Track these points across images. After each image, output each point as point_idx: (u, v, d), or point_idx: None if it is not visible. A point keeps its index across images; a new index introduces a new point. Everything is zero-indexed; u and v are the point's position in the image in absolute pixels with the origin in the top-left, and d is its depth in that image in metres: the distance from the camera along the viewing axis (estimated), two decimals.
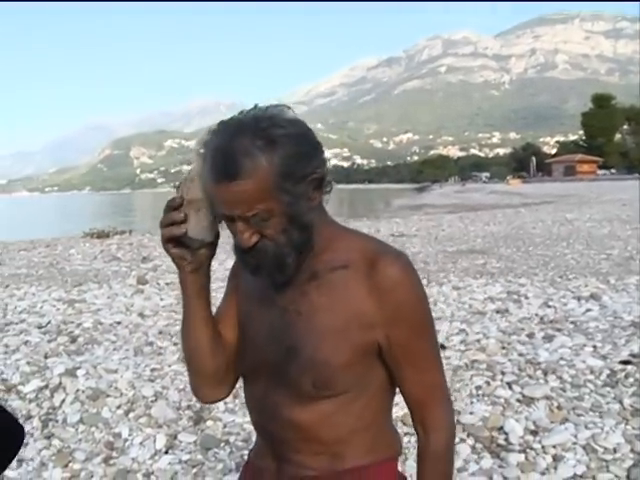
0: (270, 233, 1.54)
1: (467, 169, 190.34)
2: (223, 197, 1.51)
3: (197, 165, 1.57)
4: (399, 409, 3.84)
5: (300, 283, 1.63)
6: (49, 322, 8.32)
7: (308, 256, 1.61)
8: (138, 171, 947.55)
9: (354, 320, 1.60)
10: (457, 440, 4.58)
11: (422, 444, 1.72)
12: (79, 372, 6.04)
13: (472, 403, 5.15)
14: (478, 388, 5.45)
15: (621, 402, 5.03)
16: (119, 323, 8.20)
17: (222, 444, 4.68)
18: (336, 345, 1.60)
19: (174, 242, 1.61)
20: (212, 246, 1.64)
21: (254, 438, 4.73)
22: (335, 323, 1.60)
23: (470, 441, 4.56)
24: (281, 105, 1.59)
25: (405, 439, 4.33)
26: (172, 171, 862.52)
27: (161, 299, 9.93)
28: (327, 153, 1.68)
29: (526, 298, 8.98)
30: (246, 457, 4.57)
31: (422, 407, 1.69)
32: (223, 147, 1.49)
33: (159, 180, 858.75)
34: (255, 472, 1.81)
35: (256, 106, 1.59)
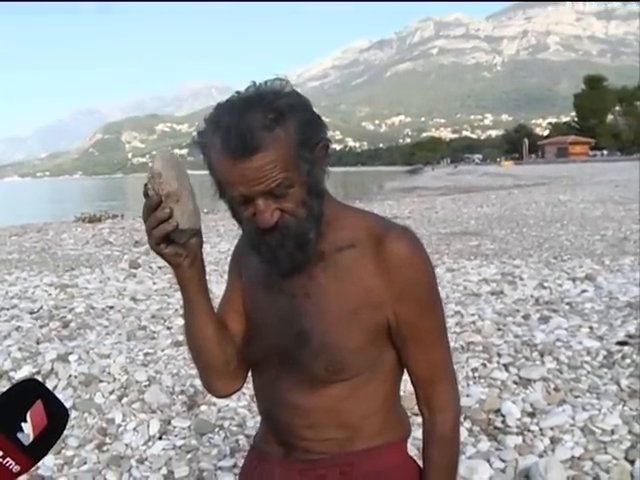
0: (290, 207, 1.52)
1: (459, 151, 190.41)
2: (243, 174, 1.48)
3: (157, 160, 1.53)
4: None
5: (307, 266, 1.60)
6: (41, 307, 8.26)
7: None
8: (130, 155, 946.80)
9: (364, 300, 1.57)
10: None
11: (428, 425, 1.69)
12: (71, 357, 5.99)
13: (468, 385, 5.13)
14: (474, 370, 5.42)
15: (618, 383, 5.01)
16: (111, 307, 8.15)
17: (216, 429, 4.64)
18: (347, 327, 1.57)
19: (165, 242, 1.55)
20: (199, 233, 1.59)
21: (249, 423, 4.68)
22: (345, 305, 1.57)
23: (467, 424, 4.53)
24: (277, 78, 1.58)
25: None
26: None
27: (154, 283, 9.88)
28: None
29: (521, 279, 8.95)
30: (240, 442, 4.53)
31: (428, 386, 1.66)
32: (236, 124, 1.47)
33: (151, 164, 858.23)
34: (261, 457, 1.78)
35: (254, 83, 1.57)
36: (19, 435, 1.26)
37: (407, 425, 1.78)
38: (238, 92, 1.57)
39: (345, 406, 1.62)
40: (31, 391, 1.32)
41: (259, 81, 1.59)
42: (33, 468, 1.30)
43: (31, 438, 1.27)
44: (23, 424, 1.27)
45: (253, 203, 1.51)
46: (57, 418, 1.33)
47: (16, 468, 1.26)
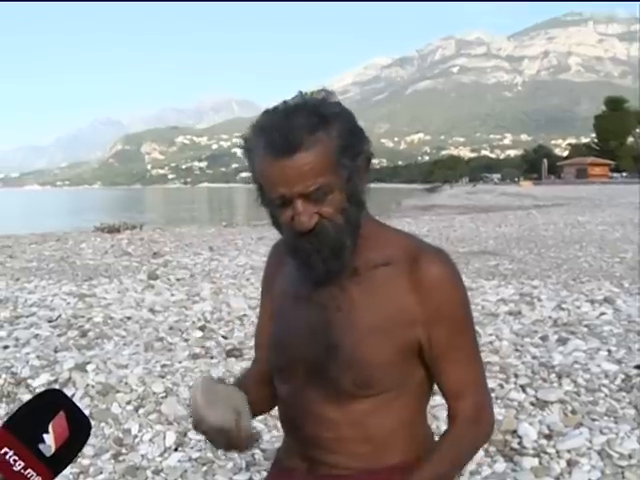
0: (329, 212, 1.53)
1: (478, 170, 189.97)
2: (284, 173, 1.50)
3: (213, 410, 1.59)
4: None
5: (340, 280, 1.61)
6: (59, 316, 8.30)
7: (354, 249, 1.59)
8: (149, 167, 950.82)
9: (396, 318, 1.58)
10: None
11: (447, 431, 1.71)
12: (89, 367, 6.01)
13: None
14: (491, 391, 5.38)
15: (636, 407, 4.97)
16: (129, 318, 8.17)
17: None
18: (377, 343, 1.58)
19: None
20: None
21: (265, 437, 4.66)
22: (376, 321, 1.58)
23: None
24: (323, 90, 1.61)
25: None
26: (183, 167, 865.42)
27: (172, 295, 9.91)
28: None
29: (539, 300, 8.91)
30: (255, 456, 4.52)
31: (460, 400, 1.66)
32: (280, 124, 1.50)
33: (170, 176, 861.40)
34: (283, 472, 1.77)
35: (300, 93, 1.59)
36: (40, 446, 1.27)
37: (432, 442, 1.78)
38: (285, 101, 1.59)
39: (372, 421, 1.62)
40: (54, 402, 1.33)
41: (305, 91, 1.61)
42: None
43: (53, 449, 1.28)
44: (45, 435, 1.28)
45: (292, 206, 1.53)
46: (79, 430, 1.34)
47: (37, 479, 1.27)
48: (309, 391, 1.66)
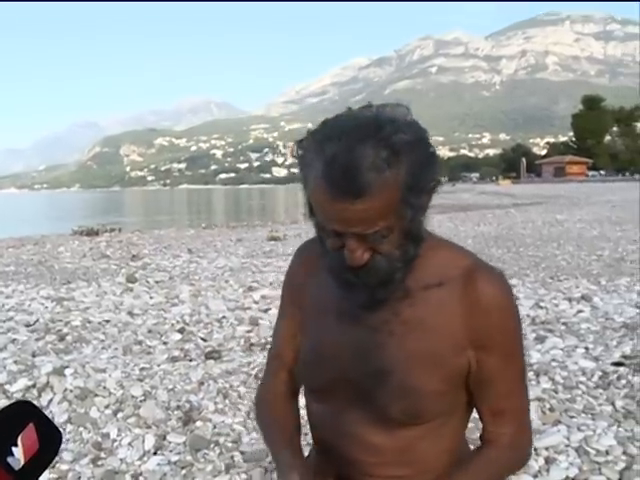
0: (384, 249, 1.42)
1: (457, 169, 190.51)
2: (341, 215, 1.35)
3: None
4: None
5: (392, 302, 1.50)
6: (37, 320, 8.25)
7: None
8: (128, 169, 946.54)
9: (449, 344, 1.49)
10: None
11: (479, 449, 1.65)
12: (67, 371, 5.98)
13: None
14: None
15: (613, 404, 5.01)
16: (108, 321, 8.13)
17: (211, 445, 4.63)
18: (430, 371, 1.49)
19: None
20: None
21: (244, 439, 4.65)
22: (430, 347, 1.49)
23: None
24: (399, 104, 1.46)
25: None
26: (162, 169, 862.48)
27: (150, 297, 9.87)
28: None
29: (517, 299, 8.91)
30: (235, 458, 4.49)
31: (500, 427, 1.59)
32: (343, 157, 1.32)
33: (149, 178, 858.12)
34: None
35: (371, 105, 1.44)
36: (9, 459, 1.23)
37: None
38: (350, 109, 1.45)
39: (419, 446, 1.55)
40: (23, 414, 1.30)
41: (377, 103, 1.45)
42: None
43: (22, 463, 1.24)
44: (14, 448, 1.24)
45: (344, 237, 1.41)
46: (49, 442, 1.31)
47: None
48: (351, 413, 1.57)
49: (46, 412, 5.17)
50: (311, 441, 1.78)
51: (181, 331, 7.56)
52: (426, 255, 1.51)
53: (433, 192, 1.46)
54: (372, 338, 1.53)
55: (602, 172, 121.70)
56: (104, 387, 5.62)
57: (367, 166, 1.31)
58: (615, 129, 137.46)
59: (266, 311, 8.39)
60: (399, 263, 1.44)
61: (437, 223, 25.28)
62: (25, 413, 1.30)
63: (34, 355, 6.63)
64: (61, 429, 4.86)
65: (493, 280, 1.52)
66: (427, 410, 1.51)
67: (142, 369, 6.15)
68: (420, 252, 1.48)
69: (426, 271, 1.51)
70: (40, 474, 1.30)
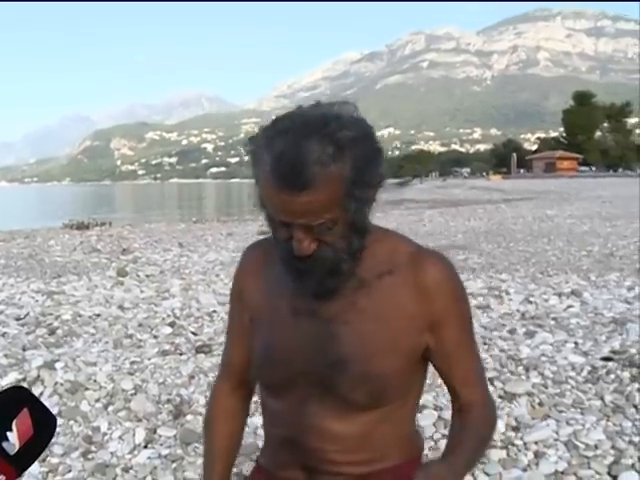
0: (330, 240, 1.49)
1: (448, 164, 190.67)
2: (288, 207, 1.43)
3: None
4: None
5: (347, 292, 1.57)
6: (27, 314, 8.24)
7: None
8: (119, 163, 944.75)
9: (405, 326, 1.56)
10: (438, 436, 4.57)
11: (460, 419, 1.69)
12: (58, 365, 5.98)
13: None
14: None
15: (602, 399, 5.03)
16: (98, 315, 8.13)
17: (202, 439, 4.62)
18: (389, 355, 1.56)
19: None
20: None
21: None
22: (387, 332, 1.56)
23: None
24: (346, 102, 1.52)
25: None
26: (153, 163, 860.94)
27: (141, 291, 9.86)
28: None
29: (507, 294, 8.98)
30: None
31: (467, 389, 1.67)
32: (290, 152, 1.40)
33: (140, 172, 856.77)
34: None
35: (319, 103, 1.50)
36: (4, 444, 1.26)
37: (422, 442, 1.82)
38: (301, 107, 1.51)
39: (377, 432, 1.62)
40: (17, 399, 1.31)
41: (324, 101, 1.52)
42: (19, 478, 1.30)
43: (17, 447, 1.27)
44: (8, 433, 1.26)
45: (292, 228, 1.47)
46: (44, 427, 1.33)
47: (1, 478, 1.26)
48: (309, 406, 1.62)
49: None
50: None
51: (172, 325, 7.56)
52: (375, 246, 1.59)
53: (378, 186, 1.53)
54: (329, 329, 1.58)
55: (593, 168, 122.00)
56: (95, 381, 5.62)
57: (313, 160, 1.38)
58: (606, 125, 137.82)
59: None
60: (345, 254, 1.51)
61: (428, 218, 25.37)
62: (19, 398, 1.32)
63: (24, 349, 6.62)
64: None
65: (437, 262, 1.60)
66: (389, 392, 1.58)
67: (133, 363, 6.15)
68: (367, 243, 1.56)
69: (377, 260, 1.59)
70: (36, 458, 1.33)
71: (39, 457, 1.36)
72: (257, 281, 1.74)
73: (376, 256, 1.59)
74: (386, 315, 1.56)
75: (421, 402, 4.91)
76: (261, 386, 1.76)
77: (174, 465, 4.30)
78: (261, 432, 2.58)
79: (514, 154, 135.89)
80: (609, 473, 3.99)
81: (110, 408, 5.16)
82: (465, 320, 1.65)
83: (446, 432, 4.61)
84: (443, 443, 4.41)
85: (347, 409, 1.59)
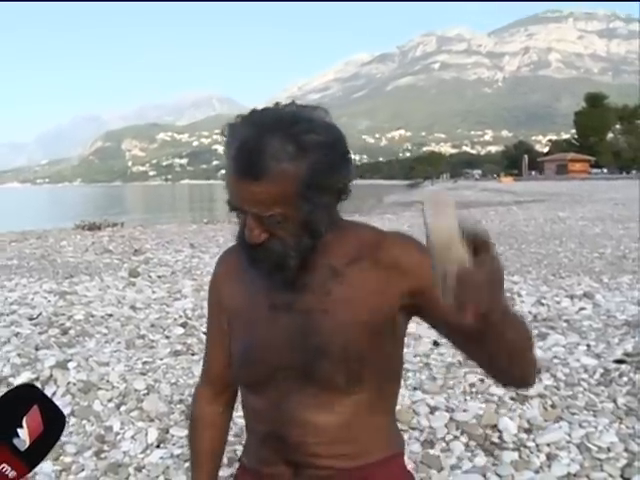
0: (280, 234, 1.52)
1: (459, 166, 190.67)
2: (241, 194, 1.48)
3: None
4: None
5: (321, 282, 1.60)
6: (40, 314, 8.27)
7: (312, 256, 1.57)
8: (130, 164, 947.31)
9: (379, 303, 1.57)
10: (450, 437, 4.57)
11: None
12: (70, 364, 6.01)
13: (466, 400, 5.14)
14: (472, 385, 5.42)
15: (615, 401, 5.03)
16: (111, 316, 8.16)
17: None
18: (365, 336, 1.57)
19: None
20: None
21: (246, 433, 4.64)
22: (362, 315, 1.57)
23: (464, 439, 4.54)
24: (318, 107, 1.55)
25: None
26: (164, 164, 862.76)
27: (153, 292, 9.90)
28: None
29: (519, 296, 8.97)
30: (237, 451, 4.51)
31: None
32: (251, 143, 1.45)
33: (151, 173, 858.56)
34: (262, 479, 1.75)
35: (293, 102, 1.55)
36: (15, 441, 1.28)
37: (403, 439, 1.81)
38: (278, 104, 1.55)
39: (359, 421, 1.62)
40: (27, 396, 1.33)
41: (300, 103, 1.55)
42: (30, 474, 1.31)
43: (27, 444, 1.29)
44: (19, 430, 1.28)
45: (247, 216, 1.52)
46: (54, 424, 1.34)
47: (12, 474, 1.27)
48: (291, 400, 1.63)
49: None
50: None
51: (184, 325, 7.58)
52: (344, 236, 1.62)
53: (340, 193, 1.56)
54: (307, 320, 1.60)
55: (604, 170, 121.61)
56: (107, 380, 5.65)
57: (270, 154, 1.43)
58: (618, 127, 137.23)
59: None
60: (292, 251, 1.53)
61: None
62: (29, 396, 1.34)
63: (37, 349, 6.65)
64: None
65: (398, 239, 1.63)
66: (368, 372, 1.59)
67: (145, 363, 6.18)
68: (336, 232, 1.59)
69: (346, 249, 1.61)
70: (45, 455, 1.34)
71: (48, 454, 1.37)
72: (233, 284, 1.76)
73: (345, 245, 1.61)
74: (359, 299, 1.57)
75: (433, 404, 4.98)
76: (241, 385, 1.77)
77: (186, 464, 4.31)
78: None
79: (525, 156, 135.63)
80: (622, 476, 3.98)
81: (122, 408, 5.19)
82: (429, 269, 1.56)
83: (458, 433, 4.62)
84: (455, 445, 4.44)
85: (327, 399, 1.60)
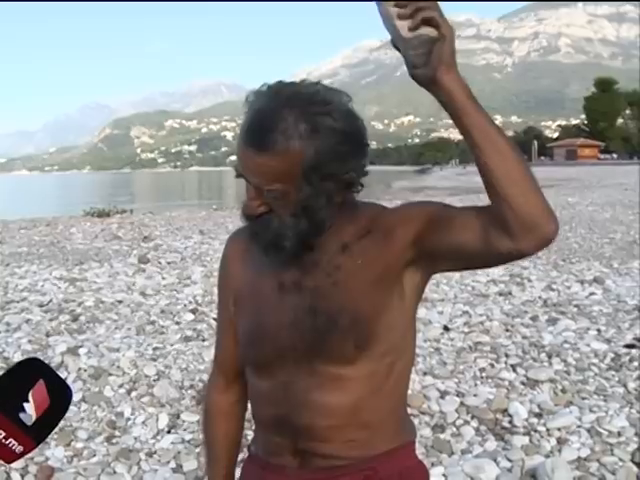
0: (279, 211, 1.50)
1: (468, 152, 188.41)
2: (246, 162, 1.48)
3: None
4: None
5: (331, 258, 1.58)
6: (50, 300, 8.30)
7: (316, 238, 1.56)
8: (138, 151, 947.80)
9: (386, 269, 1.55)
10: (461, 422, 4.57)
11: None
12: (81, 351, 6.04)
13: (476, 385, 5.14)
14: (482, 370, 5.43)
15: (625, 386, 5.02)
16: (120, 302, 8.18)
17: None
18: (374, 302, 1.55)
19: None
20: None
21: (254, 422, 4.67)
22: (369, 279, 1.55)
23: (474, 423, 4.54)
24: (345, 93, 1.52)
25: None
26: (172, 151, 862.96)
27: (163, 278, 9.92)
28: None
29: (529, 281, 8.96)
30: (248, 437, 4.53)
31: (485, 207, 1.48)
32: (265, 114, 1.44)
33: (159, 160, 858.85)
34: (271, 471, 1.71)
35: (319, 82, 1.51)
36: (21, 415, 1.28)
37: (414, 427, 1.78)
38: (304, 80, 1.52)
39: (368, 404, 1.59)
40: (33, 371, 1.33)
41: (327, 83, 1.53)
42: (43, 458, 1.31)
43: (33, 418, 1.29)
44: (25, 404, 1.28)
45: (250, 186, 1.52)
46: (60, 398, 1.35)
47: (19, 449, 1.28)
48: (301, 380, 1.60)
49: None
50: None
51: (194, 311, 7.60)
52: (356, 214, 1.60)
53: (344, 185, 1.53)
54: (316, 295, 1.58)
55: (614, 155, 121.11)
56: (118, 366, 5.67)
57: (280, 128, 1.41)
58: (628, 112, 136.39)
59: None
60: (289, 231, 1.51)
61: None
62: (35, 370, 1.34)
63: (48, 335, 6.68)
64: (76, 408, 4.91)
65: (394, 207, 1.63)
66: (377, 335, 1.56)
67: (155, 349, 6.20)
68: (348, 212, 1.58)
69: (358, 226, 1.59)
70: (52, 429, 1.34)
71: (56, 427, 1.37)
72: (241, 264, 1.74)
73: (357, 222, 1.59)
74: (367, 267, 1.56)
75: (443, 388, 4.98)
76: (249, 367, 1.73)
77: (197, 450, 4.33)
78: None
79: (535, 141, 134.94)
80: (632, 460, 3.98)
81: (133, 394, 5.20)
82: (428, 203, 1.60)
83: (468, 418, 4.62)
84: (466, 430, 4.44)
85: (336, 375, 1.57)
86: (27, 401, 1.29)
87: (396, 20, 1.33)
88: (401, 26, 1.33)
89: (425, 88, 1.42)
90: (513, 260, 1.46)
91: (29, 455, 1.42)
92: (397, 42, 1.36)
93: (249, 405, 1.84)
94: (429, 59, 1.36)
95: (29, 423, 1.28)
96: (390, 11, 1.33)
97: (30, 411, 1.29)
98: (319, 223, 1.53)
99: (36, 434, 1.30)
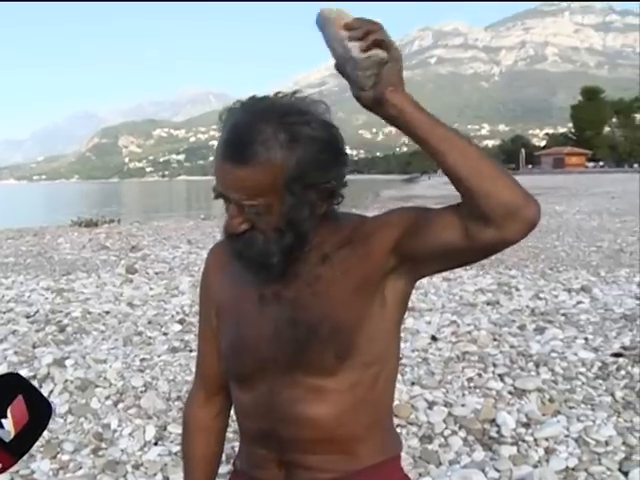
0: (262, 227, 1.49)
1: None
2: (225, 177, 1.46)
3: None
4: None
5: (311, 269, 1.57)
6: (37, 311, 8.26)
7: (300, 254, 1.55)
8: (127, 160, 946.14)
9: (366, 277, 1.54)
10: (449, 432, 4.57)
11: None
12: (68, 362, 6.00)
13: (464, 395, 5.13)
14: (470, 380, 5.42)
15: (613, 395, 5.03)
16: (108, 313, 8.15)
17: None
18: (353, 306, 1.54)
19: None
20: None
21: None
22: (349, 289, 1.54)
23: (462, 433, 4.54)
24: (321, 102, 1.52)
25: None
26: (161, 160, 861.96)
27: (150, 288, 9.89)
28: None
29: (517, 290, 8.97)
30: (235, 449, 4.51)
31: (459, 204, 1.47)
32: (243, 127, 1.43)
33: (148, 169, 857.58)
34: None
35: (294, 93, 1.52)
36: None
37: (400, 439, 1.77)
38: (278, 93, 1.52)
39: (352, 416, 1.58)
40: (11, 386, 1.31)
41: (302, 94, 1.53)
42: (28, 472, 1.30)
43: (12, 435, 1.26)
44: (3, 420, 1.26)
45: (229, 203, 1.50)
46: (40, 413, 1.32)
47: None
48: (284, 392, 1.59)
49: None
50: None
51: (181, 322, 7.57)
52: (338, 225, 1.59)
53: (327, 194, 1.52)
54: (296, 306, 1.56)
55: (601, 163, 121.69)
56: (105, 378, 5.64)
57: (259, 140, 1.41)
58: (614, 120, 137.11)
59: None
60: (274, 246, 1.49)
61: None
62: (13, 385, 1.31)
63: (34, 346, 6.65)
64: (62, 420, 4.88)
65: (374, 216, 1.62)
66: (357, 344, 1.54)
67: (142, 360, 6.17)
68: (329, 223, 1.57)
69: (339, 236, 1.58)
70: (31, 445, 1.31)
71: (36, 442, 1.35)
72: (222, 276, 1.73)
73: (339, 233, 1.58)
74: (347, 277, 1.54)
75: (431, 399, 4.97)
76: (231, 380, 1.72)
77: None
78: None
79: (522, 150, 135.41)
80: (620, 469, 3.98)
81: (120, 405, 5.18)
82: (407, 209, 1.58)
83: (456, 428, 4.61)
84: (454, 440, 4.43)
85: (318, 386, 1.55)
86: (5, 417, 1.27)
87: (347, 42, 1.35)
88: (353, 47, 1.34)
89: (369, 109, 1.43)
90: (500, 250, 1.46)
91: (14, 468, 1.41)
92: (345, 63, 1.37)
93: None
94: (378, 80, 1.37)
95: (7, 439, 1.26)
96: (340, 34, 1.36)
97: (8, 427, 1.27)
98: (303, 235, 1.51)
99: (15, 450, 1.27)
